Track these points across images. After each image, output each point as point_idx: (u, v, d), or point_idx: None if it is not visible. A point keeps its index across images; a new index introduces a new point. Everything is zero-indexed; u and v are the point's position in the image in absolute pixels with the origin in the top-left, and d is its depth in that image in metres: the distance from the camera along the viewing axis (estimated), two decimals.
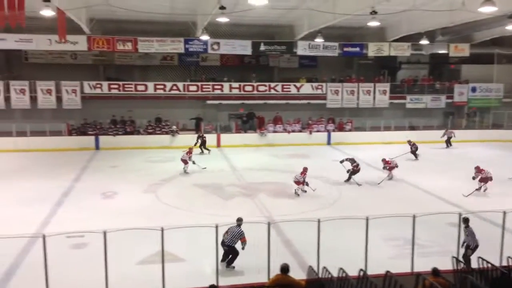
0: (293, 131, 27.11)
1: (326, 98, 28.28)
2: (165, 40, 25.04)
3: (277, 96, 27.71)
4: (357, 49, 27.21)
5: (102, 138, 24.62)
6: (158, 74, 28.15)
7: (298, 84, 28.16)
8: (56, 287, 7.70)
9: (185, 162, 19.13)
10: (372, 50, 27.15)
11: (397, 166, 17.97)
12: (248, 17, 21.67)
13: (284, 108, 27.85)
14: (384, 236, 10.84)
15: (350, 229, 10.34)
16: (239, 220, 9.73)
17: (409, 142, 22.47)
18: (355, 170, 17.18)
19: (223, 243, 9.45)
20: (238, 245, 9.60)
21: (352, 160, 17.31)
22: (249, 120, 27.54)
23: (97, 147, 24.40)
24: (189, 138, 25.29)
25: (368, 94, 28.62)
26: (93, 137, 24.68)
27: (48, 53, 26.45)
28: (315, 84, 28.42)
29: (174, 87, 26.67)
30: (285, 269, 7.04)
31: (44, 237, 7.61)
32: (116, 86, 26.05)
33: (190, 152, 19.46)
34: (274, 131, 26.91)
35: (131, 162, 20.94)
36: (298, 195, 15.51)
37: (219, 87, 27.31)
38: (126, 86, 26.18)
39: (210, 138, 25.61)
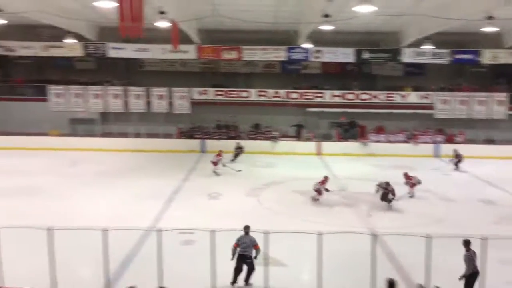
0: (397, 141, 26.11)
1: (433, 108, 26.86)
2: (268, 48, 25.68)
3: (380, 105, 26.93)
4: (470, 56, 25.48)
5: (207, 142, 25.89)
6: (260, 81, 28.89)
7: (403, 93, 27.11)
8: (167, 279, 8.23)
9: (214, 164, 19.73)
10: (487, 57, 25.26)
11: (419, 183, 16.34)
12: (352, 24, 21.32)
13: (387, 117, 26.97)
14: (500, 258, 9.99)
15: (458, 247, 9.71)
16: (247, 228, 9.23)
17: (455, 151, 21.83)
18: (386, 193, 15.02)
19: (243, 258, 8.97)
20: None
21: (386, 184, 15.20)
22: (351, 129, 27.09)
23: (202, 150, 25.68)
24: (289, 145, 25.64)
25: (483, 105, 26.61)
26: (199, 141, 26.03)
27: (162, 61, 28.46)
28: (421, 93, 27.14)
29: (276, 94, 27.20)
30: (392, 284, 6.82)
31: (158, 231, 8.20)
32: (221, 93, 27.31)
33: (219, 155, 20.06)
34: (377, 141, 26.17)
35: (234, 166, 21.69)
36: (317, 199, 15.50)
37: (321, 95, 27.29)
38: (230, 92, 27.32)
39: (310, 146, 25.69)
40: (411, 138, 26.28)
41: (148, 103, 26.94)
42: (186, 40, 23.24)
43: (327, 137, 26.87)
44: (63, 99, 26.75)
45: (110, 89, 27.12)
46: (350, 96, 27.14)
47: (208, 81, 29.30)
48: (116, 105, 26.94)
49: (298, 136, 26.73)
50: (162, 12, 16.58)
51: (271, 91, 27.26)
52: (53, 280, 8.02)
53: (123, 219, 12.60)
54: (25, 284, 8.10)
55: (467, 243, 8.54)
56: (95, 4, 15.35)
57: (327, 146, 25.89)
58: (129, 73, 29.59)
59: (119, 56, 26.28)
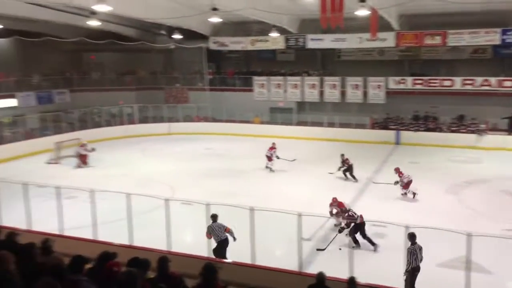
0: None
1: None
2: (478, 31, 23.13)
3: None
4: None
5: (402, 133, 24.74)
6: (466, 69, 26.17)
7: None
8: (356, 269, 8.15)
9: (269, 158, 18.47)
10: None
11: (410, 181, 14.45)
12: None
13: None
14: None
15: None
16: (214, 216, 9.50)
17: None
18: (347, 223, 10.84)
19: (226, 242, 9.43)
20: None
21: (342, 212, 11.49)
22: None
23: (397, 141, 24.67)
24: (499, 139, 22.75)
25: None
26: (393, 132, 25.09)
27: (358, 50, 28.22)
28: None
29: (485, 83, 24.32)
30: None
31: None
32: (420, 82, 25.75)
33: (272, 147, 18.74)
34: None
35: (432, 160, 20.32)
36: None
37: None
38: (431, 81, 25.53)
39: None
40: None
41: (343, 93, 27.12)
42: (384, 27, 22.55)
43: None
44: (265, 89, 28.93)
45: (307, 79, 28.16)
46: None
47: (406, 69, 27.95)
48: (312, 95, 27.88)
49: (510, 130, 23.45)
50: (362, 0, 16.35)
51: (479, 79, 24.46)
52: (253, 256, 8.79)
53: (315, 205, 12.96)
54: (228, 256, 9.09)
55: (412, 237, 8.19)
56: None
57: None
58: (326, 63, 30.24)
59: (317, 47, 27.17)
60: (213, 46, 29.08)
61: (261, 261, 8.83)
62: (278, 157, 18.80)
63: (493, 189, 15.58)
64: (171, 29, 26.92)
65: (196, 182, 16.84)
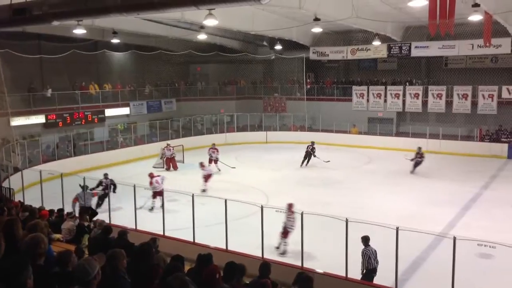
0: None
1: None
2: None
3: None
4: None
5: None
6: None
7: None
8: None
9: (209, 161, 19.08)
10: None
11: (210, 175, 16.47)
12: None
13: None
14: None
15: None
16: (83, 187, 12.30)
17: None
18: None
19: (88, 209, 11.01)
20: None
21: None
22: None
23: (509, 156, 22.63)
24: None
25: None
26: (506, 145, 23.05)
27: (468, 58, 26.43)
28: None
29: None
30: None
31: (454, 239, 7.77)
32: None
33: (212, 148, 19.43)
34: None
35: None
36: None
37: None
38: None
39: None
40: None
41: (449, 103, 25.56)
42: (499, 33, 20.90)
43: None
44: (364, 99, 28.27)
45: (409, 88, 27.01)
46: None
47: None
48: (414, 105, 26.70)
49: None
50: (475, 5, 15.27)
51: None
52: (346, 268, 8.63)
53: (413, 219, 12.38)
54: (319, 267, 9.01)
55: (365, 240, 8.59)
56: (409, 4, 15.58)
57: None
58: (431, 71, 28.74)
59: (422, 55, 26.02)
60: (313, 56, 29.10)
61: (353, 274, 8.66)
62: (217, 159, 19.74)
63: None
64: (272, 40, 27.52)
65: (290, 190, 16.94)
